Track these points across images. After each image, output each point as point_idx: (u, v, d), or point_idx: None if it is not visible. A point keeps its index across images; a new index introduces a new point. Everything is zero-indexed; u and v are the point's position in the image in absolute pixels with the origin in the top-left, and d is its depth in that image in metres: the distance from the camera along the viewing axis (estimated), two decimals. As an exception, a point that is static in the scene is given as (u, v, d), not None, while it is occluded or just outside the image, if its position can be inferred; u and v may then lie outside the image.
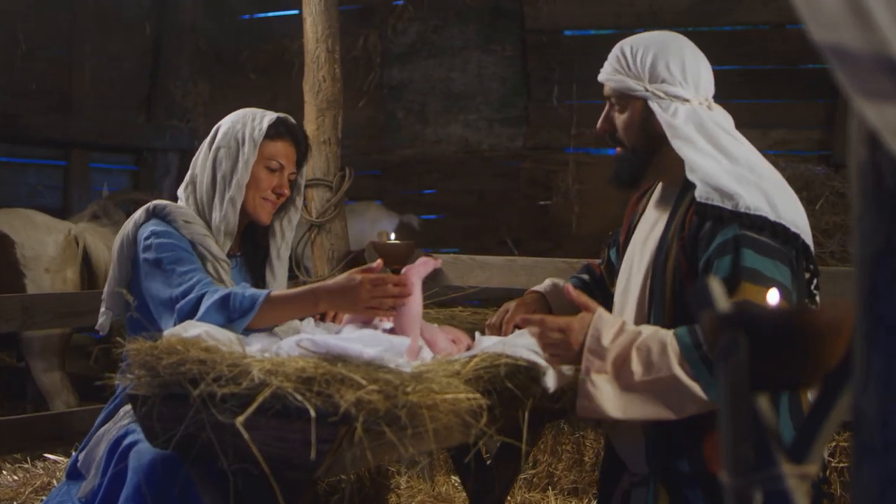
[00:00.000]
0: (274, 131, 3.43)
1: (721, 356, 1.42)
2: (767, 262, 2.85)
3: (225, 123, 3.48)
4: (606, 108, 3.23)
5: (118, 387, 3.39)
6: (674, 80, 3.08)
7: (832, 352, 1.43)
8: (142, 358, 2.69)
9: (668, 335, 2.85)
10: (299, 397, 2.41)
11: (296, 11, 9.01)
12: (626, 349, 2.85)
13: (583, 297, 3.00)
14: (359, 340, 2.69)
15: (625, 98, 3.14)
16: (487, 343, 3.12)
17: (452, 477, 4.95)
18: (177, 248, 3.28)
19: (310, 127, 5.26)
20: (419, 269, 3.22)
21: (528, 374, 2.85)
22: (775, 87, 7.39)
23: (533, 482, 4.89)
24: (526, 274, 4.94)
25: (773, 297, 1.51)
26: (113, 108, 9.07)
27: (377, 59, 8.84)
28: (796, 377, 1.45)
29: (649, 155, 3.15)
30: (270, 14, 9.40)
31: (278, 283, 3.55)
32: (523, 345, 2.95)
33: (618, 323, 2.91)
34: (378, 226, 7.58)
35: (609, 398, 2.84)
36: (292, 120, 3.53)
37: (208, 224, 3.40)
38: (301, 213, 5.37)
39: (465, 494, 4.66)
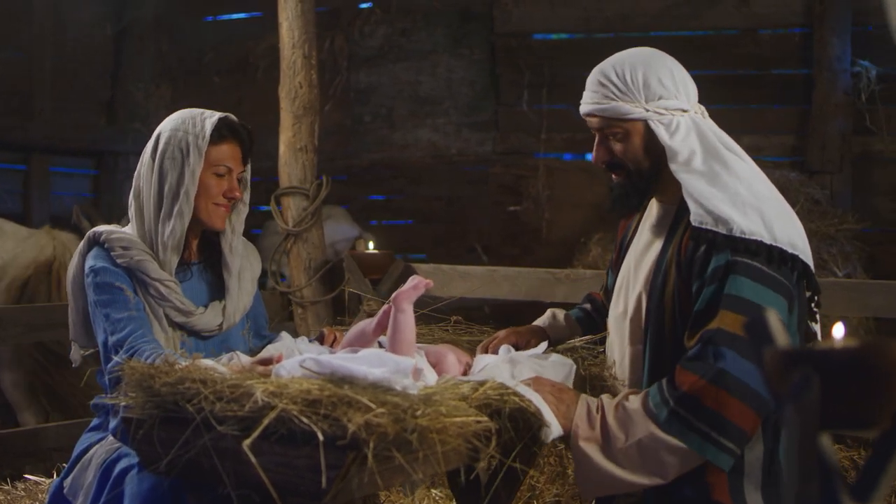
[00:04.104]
0: (217, 135, 3.28)
1: (792, 395, 1.36)
2: (759, 289, 2.81)
3: (165, 131, 3.30)
4: (598, 138, 3.09)
5: (99, 407, 3.29)
6: (669, 93, 3.01)
7: (905, 389, 1.37)
8: (138, 378, 2.60)
9: (639, 399, 2.84)
10: (306, 420, 2.33)
11: (260, 13, 8.96)
12: (605, 418, 2.85)
13: None
14: (364, 360, 2.61)
15: (621, 124, 3.03)
16: (487, 361, 3.05)
17: (433, 490, 4.88)
18: (111, 288, 3.18)
19: (286, 134, 5.17)
20: (409, 293, 3.10)
21: (532, 416, 2.79)
22: (747, 92, 7.38)
23: (515, 495, 4.83)
24: (508, 284, 4.88)
25: (838, 331, 1.45)
26: (73, 110, 8.91)
27: (344, 63, 8.75)
28: (866, 416, 1.39)
29: (656, 175, 3.07)
30: (234, 16, 9.28)
31: (234, 277, 3.43)
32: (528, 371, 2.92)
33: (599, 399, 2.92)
34: (337, 230, 7.49)
35: (600, 467, 2.82)
36: (233, 118, 3.37)
37: (154, 242, 3.28)
38: (277, 223, 5.31)
39: (446, 508, 4.61)
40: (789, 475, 1.41)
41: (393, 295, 3.12)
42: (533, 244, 8.07)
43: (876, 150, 6.97)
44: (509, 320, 4.96)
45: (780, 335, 1.46)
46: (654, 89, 2.99)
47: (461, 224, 8.41)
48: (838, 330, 1.46)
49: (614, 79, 3.01)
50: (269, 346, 3.14)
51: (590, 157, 8.05)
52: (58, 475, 3.88)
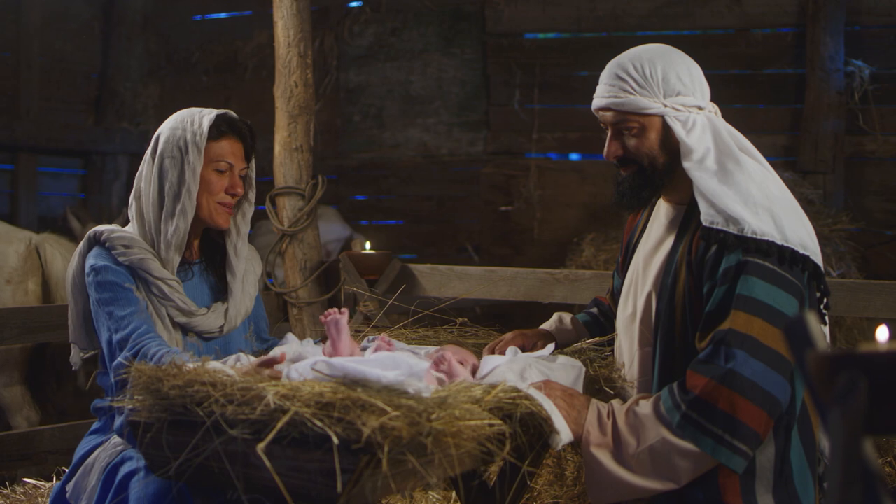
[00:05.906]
0: (216, 131, 3.27)
1: (838, 399, 1.33)
2: (771, 289, 2.79)
3: (164, 130, 3.29)
4: (611, 132, 3.06)
5: (101, 409, 3.25)
6: (687, 89, 2.98)
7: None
8: (145, 381, 2.56)
9: (650, 403, 2.83)
10: (319, 424, 2.29)
11: (249, 12, 8.92)
12: (616, 423, 2.84)
13: None
14: (377, 363, 2.58)
15: (637, 119, 2.99)
16: (495, 363, 3.02)
17: (430, 493, 4.84)
18: (114, 286, 3.14)
19: (281, 133, 5.13)
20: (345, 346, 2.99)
21: (543, 421, 2.77)
22: (740, 91, 7.37)
23: (522, 497, 4.80)
24: (506, 285, 4.84)
25: (882, 333, 1.43)
26: (61, 110, 8.86)
27: (333, 62, 8.71)
28: (913, 419, 1.37)
29: (671, 171, 3.04)
30: (223, 15, 9.24)
31: (238, 280, 3.40)
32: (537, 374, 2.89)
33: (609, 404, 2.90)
34: (329, 230, 7.45)
35: (611, 473, 2.81)
36: (233, 114, 3.35)
37: (155, 241, 3.25)
38: (272, 222, 5.27)
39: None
40: (832, 479, 1.39)
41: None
42: (525, 244, 8.05)
43: (869, 150, 6.97)
44: (501, 321, 4.92)
45: (820, 338, 1.44)
46: (672, 85, 2.96)
47: (452, 224, 8.38)
48: (882, 333, 1.44)
49: (633, 73, 2.98)
50: (275, 349, 3.10)
51: (579, 156, 8.09)
52: (57, 479, 3.84)
